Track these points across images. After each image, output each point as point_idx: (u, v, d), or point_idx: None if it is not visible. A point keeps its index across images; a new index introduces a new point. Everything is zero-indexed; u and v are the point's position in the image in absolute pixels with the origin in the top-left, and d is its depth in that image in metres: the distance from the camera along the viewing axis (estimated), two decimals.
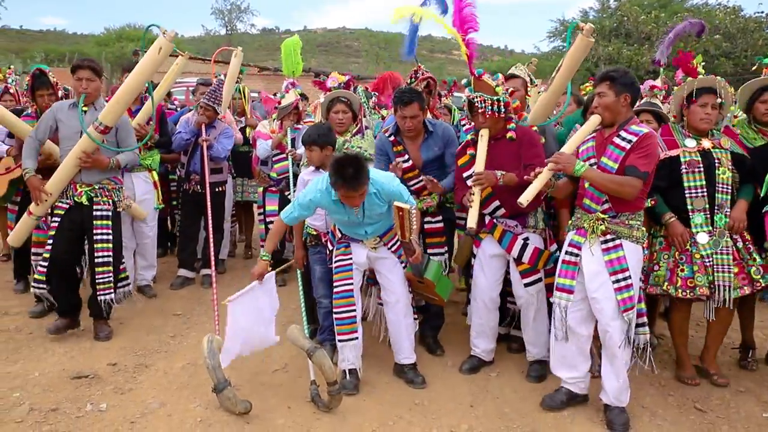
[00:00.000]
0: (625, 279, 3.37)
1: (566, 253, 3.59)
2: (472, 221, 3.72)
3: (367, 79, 21.40)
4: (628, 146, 3.39)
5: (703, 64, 4.00)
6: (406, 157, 4.35)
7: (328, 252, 4.22)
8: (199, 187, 5.80)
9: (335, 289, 3.93)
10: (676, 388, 3.95)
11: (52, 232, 4.51)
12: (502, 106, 3.80)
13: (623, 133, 3.45)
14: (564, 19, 25.09)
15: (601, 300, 3.40)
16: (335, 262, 3.99)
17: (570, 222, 3.70)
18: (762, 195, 3.78)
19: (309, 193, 3.74)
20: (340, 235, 4.01)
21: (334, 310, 3.92)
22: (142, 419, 3.42)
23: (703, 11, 19.40)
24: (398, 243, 3.90)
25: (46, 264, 4.57)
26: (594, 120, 3.52)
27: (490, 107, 3.78)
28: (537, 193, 3.39)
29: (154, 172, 5.68)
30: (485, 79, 3.85)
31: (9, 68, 6.94)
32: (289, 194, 5.55)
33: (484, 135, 3.88)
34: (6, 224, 6.31)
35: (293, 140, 5.65)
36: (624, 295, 3.36)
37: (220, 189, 5.96)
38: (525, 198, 3.33)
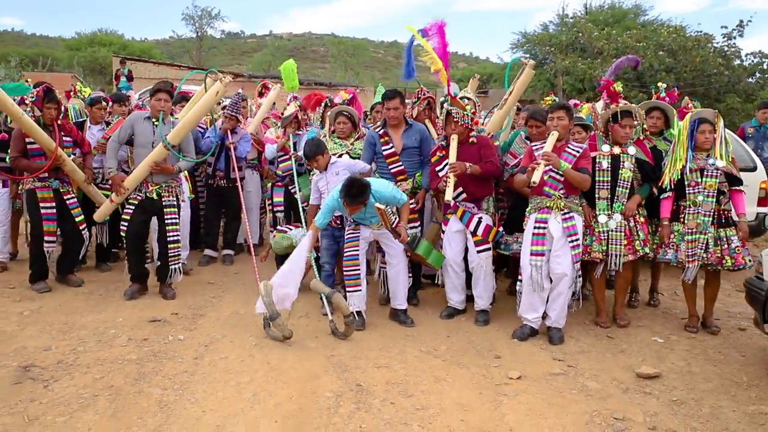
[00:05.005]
0: (576, 240, 4.95)
1: (535, 228, 5.01)
2: (448, 196, 5.12)
3: (339, 86, 22.68)
4: (577, 154, 4.97)
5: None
6: (391, 144, 5.73)
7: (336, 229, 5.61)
8: (223, 182, 7.12)
9: (345, 253, 5.30)
10: (596, 327, 5.40)
11: (127, 216, 5.80)
12: (469, 118, 5.25)
13: (570, 146, 5.02)
14: (526, 32, 26.67)
15: (562, 255, 4.91)
16: (346, 234, 5.35)
17: (529, 207, 5.11)
18: (658, 186, 5.32)
19: (329, 203, 5.08)
20: (351, 219, 5.32)
21: (344, 268, 5.30)
22: (212, 344, 4.74)
23: (650, 29, 21.04)
24: (397, 223, 5.24)
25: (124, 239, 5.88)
26: (555, 134, 4.95)
27: (463, 119, 5.20)
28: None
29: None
30: (458, 100, 5.31)
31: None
32: (293, 188, 6.86)
33: (455, 139, 5.27)
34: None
35: (295, 144, 6.95)
36: (575, 251, 4.94)
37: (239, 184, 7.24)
38: (535, 178, 4.70)
